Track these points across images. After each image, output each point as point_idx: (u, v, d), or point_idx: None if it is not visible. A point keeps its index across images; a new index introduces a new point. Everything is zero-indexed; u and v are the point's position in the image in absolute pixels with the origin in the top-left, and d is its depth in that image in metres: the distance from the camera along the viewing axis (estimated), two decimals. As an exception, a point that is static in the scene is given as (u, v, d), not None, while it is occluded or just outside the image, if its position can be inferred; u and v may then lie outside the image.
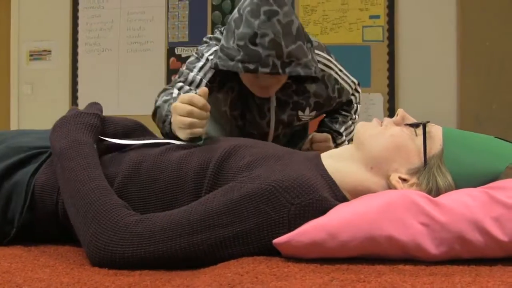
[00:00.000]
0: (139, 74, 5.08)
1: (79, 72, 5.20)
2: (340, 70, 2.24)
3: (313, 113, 2.21)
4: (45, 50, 5.25)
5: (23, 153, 1.50)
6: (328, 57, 2.17)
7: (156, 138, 1.64)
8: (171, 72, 5.01)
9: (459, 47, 4.73)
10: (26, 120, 5.26)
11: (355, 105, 2.41)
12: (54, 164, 1.41)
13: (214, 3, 4.98)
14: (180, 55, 5.03)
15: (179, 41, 5.03)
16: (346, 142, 2.34)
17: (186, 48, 5.02)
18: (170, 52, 5.05)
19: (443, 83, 4.73)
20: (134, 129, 1.65)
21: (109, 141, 1.52)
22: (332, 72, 2.18)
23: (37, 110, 5.23)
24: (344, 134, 2.34)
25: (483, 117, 4.64)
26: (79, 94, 5.18)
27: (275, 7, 1.80)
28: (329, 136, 2.25)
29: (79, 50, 5.20)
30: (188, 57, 4.75)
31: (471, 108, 4.67)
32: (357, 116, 2.43)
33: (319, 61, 2.09)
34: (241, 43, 1.81)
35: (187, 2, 5.04)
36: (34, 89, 5.28)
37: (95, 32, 5.16)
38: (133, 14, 5.11)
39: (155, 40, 5.07)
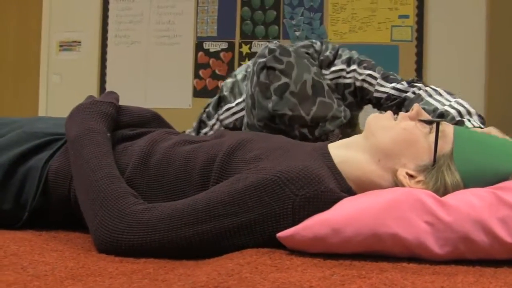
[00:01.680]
0: (167, 68, 5.10)
1: (108, 63, 5.24)
2: (381, 85, 2.04)
3: None
4: (75, 41, 5.30)
5: (38, 139, 1.52)
6: (372, 73, 2.04)
7: (171, 129, 1.65)
8: (198, 67, 5.04)
9: (488, 49, 4.67)
10: (55, 110, 5.31)
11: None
12: (68, 151, 1.43)
13: (243, -1, 5.00)
14: (208, 49, 5.03)
15: (207, 35, 5.04)
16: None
17: (214, 43, 5.02)
18: (199, 47, 5.05)
19: (471, 85, 4.67)
20: (150, 119, 1.65)
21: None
22: (371, 89, 2.03)
23: (66, 100, 5.22)
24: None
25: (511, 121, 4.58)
26: (107, 85, 5.23)
27: (283, 80, 1.75)
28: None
29: (108, 42, 5.24)
30: (217, 52, 4.81)
31: (499, 110, 4.61)
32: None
33: (363, 80, 2.00)
34: (261, 124, 1.78)
35: None
36: (63, 80, 5.33)
37: (125, 25, 5.19)
38: (163, 7, 5.13)
39: (183, 34, 5.08)
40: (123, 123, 1.58)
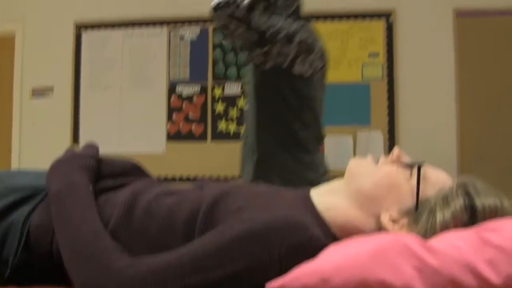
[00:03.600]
0: (141, 112, 5.11)
1: (81, 109, 5.25)
2: None
3: None
4: (47, 87, 5.29)
5: (19, 193, 1.49)
6: None
7: (152, 180, 1.64)
8: (172, 110, 5.06)
9: (458, 83, 4.75)
10: (28, 156, 5.30)
11: None
12: (49, 204, 1.41)
13: (215, 42, 5.04)
14: (181, 93, 5.07)
15: (180, 78, 5.08)
16: None
17: (187, 86, 5.06)
18: (171, 90, 5.08)
19: (443, 120, 4.74)
20: (131, 169, 1.64)
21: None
22: None
23: (38, 146, 5.27)
24: None
25: (484, 154, 4.64)
26: (80, 131, 5.22)
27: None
28: None
29: (81, 87, 5.25)
30: (190, 96, 4.82)
31: (471, 147, 4.68)
32: None
33: None
34: None
35: (189, 40, 5.10)
36: (36, 126, 5.31)
37: (98, 70, 5.21)
38: (135, 51, 5.16)
39: (156, 78, 5.11)
40: (104, 174, 1.56)
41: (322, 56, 2.47)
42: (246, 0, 2.21)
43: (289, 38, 2.27)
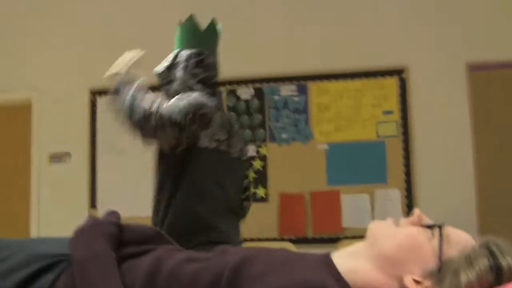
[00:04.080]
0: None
1: (98, 173, 5.35)
2: None
3: None
4: (64, 153, 5.39)
5: (43, 261, 1.49)
6: None
7: (174, 246, 1.65)
8: None
9: (474, 137, 4.76)
10: (47, 221, 5.37)
11: None
12: (73, 273, 1.42)
13: (229, 105, 5.14)
14: None
15: None
16: None
17: None
18: None
19: (460, 175, 4.73)
20: (153, 236, 1.64)
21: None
22: None
23: (57, 211, 5.35)
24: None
25: (504, 209, 4.61)
26: (97, 195, 5.31)
27: None
28: None
29: (98, 152, 5.36)
30: None
31: (490, 202, 4.65)
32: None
33: None
34: None
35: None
36: (54, 191, 5.40)
37: (114, 135, 5.28)
38: None
39: None
40: (126, 241, 1.57)
41: (223, 127, 2.60)
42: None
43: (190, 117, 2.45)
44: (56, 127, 5.49)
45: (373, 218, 4.74)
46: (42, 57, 5.62)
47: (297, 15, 5.17)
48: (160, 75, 2.78)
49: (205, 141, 2.52)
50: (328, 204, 4.89)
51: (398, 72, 4.91)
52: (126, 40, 5.26)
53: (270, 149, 5.05)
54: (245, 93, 5.14)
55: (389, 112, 4.90)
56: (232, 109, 5.11)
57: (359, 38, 5.03)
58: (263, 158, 5.05)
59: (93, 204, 5.30)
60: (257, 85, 5.12)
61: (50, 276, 1.45)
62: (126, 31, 5.39)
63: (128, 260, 1.48)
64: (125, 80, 2.56)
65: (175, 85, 2.68)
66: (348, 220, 4.84)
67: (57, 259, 1.50)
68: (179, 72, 2.69)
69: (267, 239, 4.85)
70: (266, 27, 5.19)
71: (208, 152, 2.53)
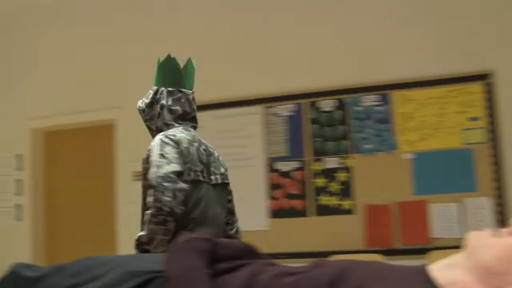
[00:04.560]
0: (241, 190, 5.39)
1: None
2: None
3: None
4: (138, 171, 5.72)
5: (138, 278, 1.58)
6: None
7: (267, 261, 1.70)
8: (272, 187, 5.40)
9: None
10: (132, 239, 5.64)
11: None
12: None
13: (310, 117, 5.36)
14: (280, 169, 5.41)
15: (279, 156, 5.43)
16: None
17: (286, 163, 5.39)
18: (271, 168, 5.44)
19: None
20: (245, 251, 1.71)
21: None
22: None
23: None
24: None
25: None
26: None
27: None
28: None
29: None
30: (289, 172, 5.09)
31: None
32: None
33: None
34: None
35: (284, 117, 5.46)
36: (139, 209, 5.68)
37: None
38: (231, 132, 5.59)
39: (255, 157, 5.48)
40: (219, 257, 1.64)
41: (199, 158, 3.09)
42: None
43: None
44: (140, 145, 5.83)
45: (462, 228, 4.85)
46: (125, 77, 6.05)
47: (377, 24, 5.35)
48: (142, 111, 3.22)
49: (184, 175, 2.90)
50: (416, 215, 5.00)
51: (483, 77, 5.00)
52: (206, 56, 5.63)
53: (354, 160, 5.23)
54: (326, 104, 5.34)
55: (475, 119, 4.99)
56: (314, 121, 5.35)
57: (442, 43, 5.14)
58: (348, 170, 5.24)
59: None
60: (339, 96, 5.32)
61: None
62: (210, 48, 5.75)
63: (222, 275, 1.55)
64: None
65: (159, 121, 3.15)
66: (436, 230, 4.95)
67: (152, 276, 1.59)
68: (159, 110, 3.15)
69: (354, 251, 5.01)
70: (346, 37, 5.38)
71: (187, 184, 2.90)
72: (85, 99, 6.21)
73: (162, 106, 3.15)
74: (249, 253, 1.70)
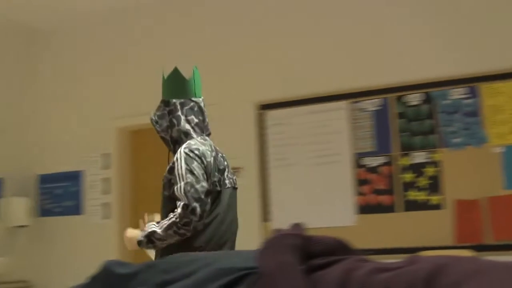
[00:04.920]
0: (328, 186, 5.68)
1: (270, 187, 5.93)
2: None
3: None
4: (235, 168, 6.00)
5: (232, 275, 1.66)
6: None
7: (361, 257, 1.76)
8: (359, 183, 5.59)
9: None
10: None
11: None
12: (263, 285, 1.57)
13: (398, 111, 5.52)
14: (367, 165, 5.58)
15: (365, 151, 5.60)
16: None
17: (372, 158, 5.56)
18: (357, 163, 5.62)
19: None
20: (338, 247, 1.77)
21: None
22: None
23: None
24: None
25: None
26: (272, 208, 5.88)
27: None
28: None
29: (268, 165, 5.97)
30: (376, 167, 5.26)
31: None
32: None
33: None
34: None
35: (370, 112, 5.64)
36: None
37: (283, 148, 5.91)
38: (318, 128, 5.80)
39: (341, 152, 5.68)
40: (312, 253, 1.71)
41: (216, 168, 3.32)
42: None
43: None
44: (226, 142, 6.10)
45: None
46: (210, 75, 6.26)
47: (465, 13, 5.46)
48: (156, 122, 3.44)
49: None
50: (507, 209, 5.07)
51: None
52: (291, 52, 5.87)
53: (442, 155, 5.34)
54: (413, 98, 5.48)
55: None
56: (400, 115, 5.51)
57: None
58: (436, 164, 5.36)
59: (266, 217, 5.88)
60: (426, 89, 5.45)
61: None
62: (297, 44, 6.01)
63: (316, 271, 1.61)
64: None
65: (174, 132, 3.37)
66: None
67: (245, 273, 1.67)
68: (174, 121, 3.37)
69: (444, 247, 5.12)
70: (434, 29, 5.51)
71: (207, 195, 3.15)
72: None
73: (178, 117, 3.37)
74: (342, 248, 1.76)
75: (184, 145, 3.25)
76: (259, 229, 5.87)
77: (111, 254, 6.38)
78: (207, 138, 3.45)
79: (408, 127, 5.49)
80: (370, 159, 5.58)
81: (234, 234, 3.46)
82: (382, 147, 5.55)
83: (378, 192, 5.51)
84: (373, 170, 5.56)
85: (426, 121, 5.43)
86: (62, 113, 7.08)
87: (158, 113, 3.45)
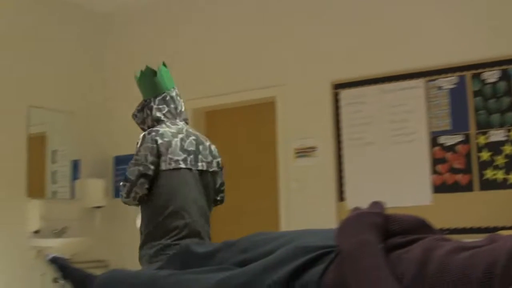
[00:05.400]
0: (403, 165, 5.91)
1: (344, 166, 6.20)
2: None
3: None
4: (310, 147, 6.39)
5: (310, 253, 1.74)
6: None
7: (440, 235, 1.80)
8: (435, 162, 5.78)
9: None
10: (294, 216, 6.33)
11: None
12: (342, 264, 1.63)
13: (474, 89, 5.69)
14: (444, 143, 5.76)
15: (441, 130, 5.79)
16: None
17: (449, 137, 5.74)
18: (433, 142, 5.81)
19: None
20: (418, 225, 1.82)
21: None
22: None
23: (304, 205, 6.30)
24: None
25: None
26: (345, 188, 6.15)
27: None
28: None
29: (343, 145, 6.24)
30: (453, 146, 5.47)
31: None
32: None
33: None
34: None
35: (446, 90, 5.83)
36: (301, 185, 6.36)
37: (358, 127, 6.18)
38: (394, 107, 6.04)
39: (417, 131, 5.89)
40: (392, 232, 1.77)
41: (182, 149, 3.88)
42: None
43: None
44: (300, 122, 6.45)
45: None
46: (285, 55, 6.68)
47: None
48: (135, 116, 4.08)
49: (163, 165, 3.75)
50: None
51: None
52: (363, 32, 6.13)
53: None
54: (490, 76, 5.63)
55: None
56: (477, 93, 5.66)
57: None
58: None
59: (341, 197, 6.16)
60: (503, 66, 5.59)
61: (319, 268, 1.71)
62: (372, 24, 6.26)
63: (395, 250, 1.67)
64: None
65: (148, 121, 3.96)
66: None
67: (325, 251, 1.75)
68: (148, 111, 3.97)
69: None
70: (510, 6, 5.63)
71: (166, 173, 3.76)
72: (244, 79, 6.89)
73: (151, 108, 3.98)
74: (421, 227, 1.81)
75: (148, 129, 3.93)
76: (334, 208, 6.16)
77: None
78: (179, 122, 4.00)
79: (484, 105, 5.62)
80: (446, 138, 5.75)
81: (202, 215, 3.97)
82: (459, 125, 5.70)
83: (454, 171, 5.66)
84: (449, 148, 5.72)
85: (503, 99, 5.56)
86: (135, 96, 7.47)
87: (138, 108, 4.09)
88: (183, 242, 3.55)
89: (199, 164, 3.94)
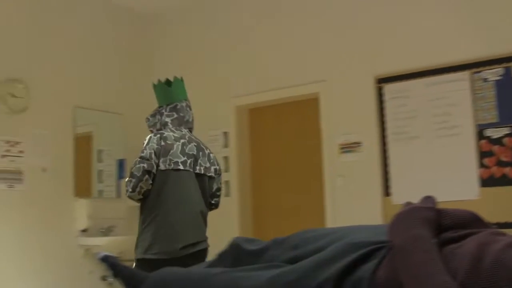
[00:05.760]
0: (449, 159, 5.88)
1: (390, 161, 6.19)
2: None
3: None
4: (355, 143, 6.41)
5: (362, 249, 1.75)
6: None
7: (494, 230, 1.78)
8: (482, 155, 5.73)
9: None
10: (340, 212, 6.34)
11: None
12: (394, 259, 1.64)
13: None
14: (490, 136, 5.71)
15: (488, 122, 5.73)
16: None
17: (496, 129, 5.68)
18: (480, 135, 5.76)
19: None
20: (471, 220, 1.82)
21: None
22: None
23: (350, 201, 6.32)
24: None
25: None
26: (391, 183, 6.15)
27: None
28: None
29: (388, 139, 6.24)
30: (500, 139, 5.42)
31: None
32: None
33: None
34: None
35: (492, 82, 5.77)
36: (346, 181, 6.38)
37: (402, 121, 6.17)
38: (438, 100, 6.01)
39: (462, 124, 5.85)
40: (445, 226, 1.78)
41: (182, 152, 4.38)
42: None
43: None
44: (345, 117, 6.46)
45: None
46: (327, 50, 6.70)
47: None
48: (147, 120, 4.60)
49: (162, 166, 4.25)
50: None
51: None
52: (404, 26, 6.10)
53: None
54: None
55: None
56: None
57: None
58: None
59: (386, 192, 6.15)
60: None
61: (371, 264, 1.71)
62: (411, 15, 6.23)
63: (448, 245, 1.67)
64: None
65: (158, 125, 4.48)
66: None
67: (376, 247, 1.76)
68: (159, 116, 4.52)
69: None
70: None
71: (165, 172, 4.25)
72: (288, 75, 6.92)
73: (162, 114, 4.53)
74: (474, 221, 1.80)
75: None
76: (379, 203, 6.16)
77: (233, 230, 6.87)
78: (183, 129, 4.52)
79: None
80: (493, 131, 5.69)
81: (198, 214, 4.44)
82: (505, 117, 5.64)
83: (502, 164, 5.61)
84: (496, 141, 5.66)
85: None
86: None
87: (152, 113, 4.63)
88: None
89: (198, 167, 4.45)
